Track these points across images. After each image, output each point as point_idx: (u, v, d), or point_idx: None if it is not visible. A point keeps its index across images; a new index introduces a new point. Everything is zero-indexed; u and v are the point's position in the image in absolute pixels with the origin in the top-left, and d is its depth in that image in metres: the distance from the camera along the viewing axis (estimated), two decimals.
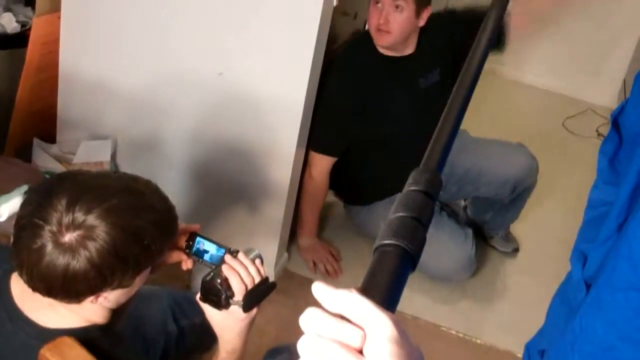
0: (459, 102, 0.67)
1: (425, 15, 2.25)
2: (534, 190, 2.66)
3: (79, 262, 1.08)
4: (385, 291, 0.49)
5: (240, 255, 1.32)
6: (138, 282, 1.21)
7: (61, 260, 1.08)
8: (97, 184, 1.14)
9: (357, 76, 2.31)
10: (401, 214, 0.56)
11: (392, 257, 0.52)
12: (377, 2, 2.21)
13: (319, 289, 0.49)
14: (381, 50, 2.30)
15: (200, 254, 1.37)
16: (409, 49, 2.33)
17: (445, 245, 2.42)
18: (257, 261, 1.34)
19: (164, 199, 1.21)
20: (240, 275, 1.29)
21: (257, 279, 1.32)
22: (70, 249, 1.08)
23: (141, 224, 1.14)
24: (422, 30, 2.32)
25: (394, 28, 2.22)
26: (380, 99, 2.33)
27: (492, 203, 2.66)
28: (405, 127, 2.38)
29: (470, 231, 2.52)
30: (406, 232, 0.54)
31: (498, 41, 2.46)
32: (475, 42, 0.79)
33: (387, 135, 2.41)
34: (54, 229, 1.07)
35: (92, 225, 1.08)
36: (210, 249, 1.37)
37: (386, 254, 0.53)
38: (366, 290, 0.49)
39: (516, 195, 2.59)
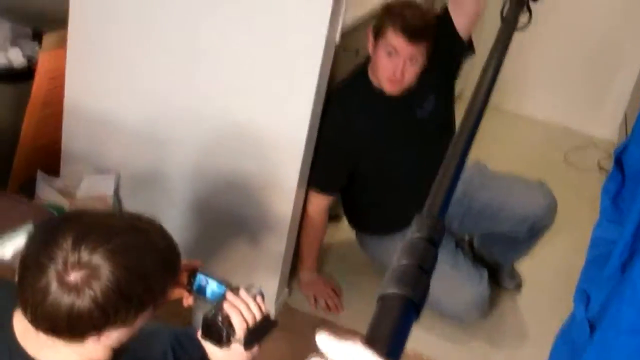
0: (461, 146, 0.68)
1: (429, 54, 2.24)
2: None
3: (83, 302, 1.08)
4: (389, 342, 0.49)
5: (242, 292, 1.32)
6: (141, 321, 1.21)
7: (66, 299, 1.08)
8: (102, 224, 1.14)
9: (354, 115, 2.29)
10: (404, 261, 0.56)
11: (395, 306, 0.52)
12: (389, 54, 2.17)
13: (324, 340, 0.49)
14: (378, 86, 2.28)
15: (201, 290, 1.37)
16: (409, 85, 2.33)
17: (460, 285, 2.39)
18: (259, 298, 1.34)
19: (167, 238, 1.22)
20: (242, 312, 1.29)
21: (259, 316, 1.31)
22: (75, 289, 1.08)
23: (145, 264, 1.14)
24: None
25: (408, 78, 2.21)
26: (379, 136, 2.32)
27: (505, 240, 2.63)
28: (405, 160, 2.37)
29: (485, 273, 2.49)
30: (409, 281, 0.54)
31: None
32: (476, 85, 0.79)
33: (388, 171, 2.40)
34: (60, 267, 1.08)
35: (97, 265, 1.08)
36: (212, 285, 1.37)
37: (389, 304, 0.53)
38: (370, 341, 0.49)
39: (532, 234, 2.57)
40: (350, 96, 2.31)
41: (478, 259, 2.69)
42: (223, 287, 1.35)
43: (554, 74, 4.34)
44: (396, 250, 0.58)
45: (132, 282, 1.11)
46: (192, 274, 1.37)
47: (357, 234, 2.66)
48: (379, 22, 2.21)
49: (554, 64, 4.29)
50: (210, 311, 1.31)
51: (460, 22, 2.28)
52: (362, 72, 2.31)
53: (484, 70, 0.77)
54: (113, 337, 1.17)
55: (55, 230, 1.12)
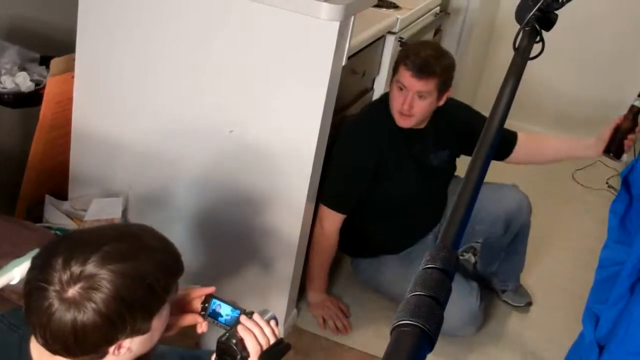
0: (474, 178, 0.68)
1: (445, 96, 2.33)
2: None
3: (86, 314, 1.09)
4: None
5: (256, 316, 1.33)
6: (157, 328, 1.21)
7: (68, 316, 1.09)
8: (90, 237, 1.16)
9: (373, 143, 2.35)
10: (418, 292, 0.56)
11: (409, 338, 0.53)
12: (401, 89, 2.27)
13: None
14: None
15: (215, 315, 1.37)
16: (424, 124, 2.40)
17: (450, 298, 2.39)
18: (272, 322, 1.35)
19: (160, 239, 1.22)
20: (256, 336, 1.30)
21: (272, 340, 1.32)
22: (75, 303, 1.09)
23: (140, 266, 1.14)
24: (442, 109, 2.38)
25: (416, 112, 2.29)
26: (392, 167, 2.38)
27: (497, 251, 2.66)
28: (413, 195, 2.45)
29: (475, 284, 2.51)
30: (423, 312, 0.55)
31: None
32: (490, 116, 0.80)
33: (394, 201, 2.46)
34: (57, 287, 1.09)
35: (92, 274, 1.09)
36: (226, 310, 1.37)
37: (404, 335, 0.53)
38: None
39: (513, 236, 2.59)
40: (371, 124, 2.39)
41: (483, 281, 2.69)
42: (237, 312, 1.36)
43: (560, 93, 4.34)
44: (410, 281, 0.58)
45: (130, 285, 1.12)
46: (207, 299, 1.38)
47: (352, 261, 2.70)
48: (396, 60, 2.33)
49: (563, 80, 4.30)
50: (225, 334, 1.32)
51: (519, 158, 2.60)
52: (383, 102, 2.40)
53: (497, 101, 0.77)
54: (133, 347, 1.18)
55: (48, 253, 1.13)
